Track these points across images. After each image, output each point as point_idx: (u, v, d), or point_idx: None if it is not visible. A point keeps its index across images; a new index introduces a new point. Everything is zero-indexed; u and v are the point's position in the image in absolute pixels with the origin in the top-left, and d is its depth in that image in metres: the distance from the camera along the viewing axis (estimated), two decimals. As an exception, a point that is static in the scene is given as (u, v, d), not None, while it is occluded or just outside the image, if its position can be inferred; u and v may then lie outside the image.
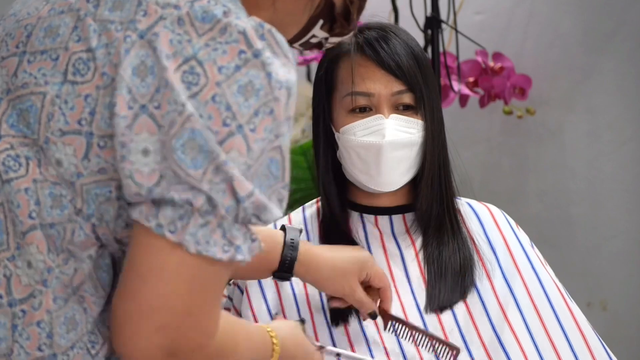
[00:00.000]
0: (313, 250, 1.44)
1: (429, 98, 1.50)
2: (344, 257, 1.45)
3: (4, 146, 1.02)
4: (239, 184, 0.97)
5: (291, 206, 1.61)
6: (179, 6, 1.00)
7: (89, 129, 1.00)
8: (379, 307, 1.45)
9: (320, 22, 1.16)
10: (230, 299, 1.57)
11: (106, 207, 1.03)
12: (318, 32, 1.18)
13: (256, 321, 1.48)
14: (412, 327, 1.43)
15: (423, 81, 1.49)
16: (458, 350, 1.41)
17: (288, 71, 1.02)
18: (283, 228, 1.42)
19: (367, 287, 1.45)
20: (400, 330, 1.44)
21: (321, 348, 1.35)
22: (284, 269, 1.40)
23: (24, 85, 1.03)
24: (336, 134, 1.52)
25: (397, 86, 1.48)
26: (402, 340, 1.45)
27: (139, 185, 0.98)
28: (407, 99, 1.49)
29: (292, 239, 1.41)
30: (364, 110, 1.49)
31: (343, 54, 1.51)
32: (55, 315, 1.02)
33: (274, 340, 1.23)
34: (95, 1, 1.04)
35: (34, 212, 1.01)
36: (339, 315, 1.48)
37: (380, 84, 1.48)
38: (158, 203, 0.98)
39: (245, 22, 1.00)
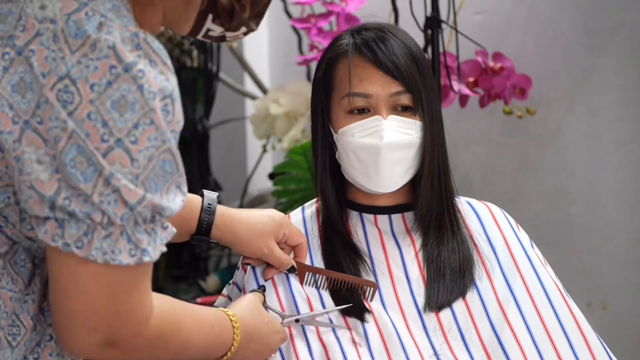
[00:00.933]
0: (230, 213, 1.48)
1: (427, 99, 1.50)
2: (259, 218, 1.50)
3: None
4: (128, 192, 1.04)
5: (291, 206, 1.62)
6: (55, 20, 1.03)
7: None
8: (296, 262, 1.51)
9: (210, 16, 1.20)
10: (229, 298, 1.57)
11: (8, 212, 1.09)
12: (212, 26, 1.21)
13: None
14: (328, 274, 1.50)
15: (421, 82, 1.49)
16: (376, 286, 1.48)
17: (165, 78, 1.06)
18: (201, 193, 1.46)
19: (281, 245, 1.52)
20: (320, 280, 1.50)
21: (283, 317, 1.45)
22: (201, 233, 1.45)
23: None
24: (335, 135, 1.52)
25: (395, 87, 1.48)
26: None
27: (41, 195, 1.03)
28: (405, 100, 1.49)
29: (209, 204, 1.46)
30: (362, 112, 1.49)
31: (341, 55, 1.51)
32: None
33: (235, 324, 1.32)
34: None
35: None
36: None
37: (378, 85, 1.48)
38: (62, 221, 1.03)
39: (116, 35, 1.04)
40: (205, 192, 1.47)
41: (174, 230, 1.12)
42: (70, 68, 1.02)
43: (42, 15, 1.04)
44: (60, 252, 1.05)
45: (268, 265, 1.51)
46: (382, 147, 1.47)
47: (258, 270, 1.52)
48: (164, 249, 1.11)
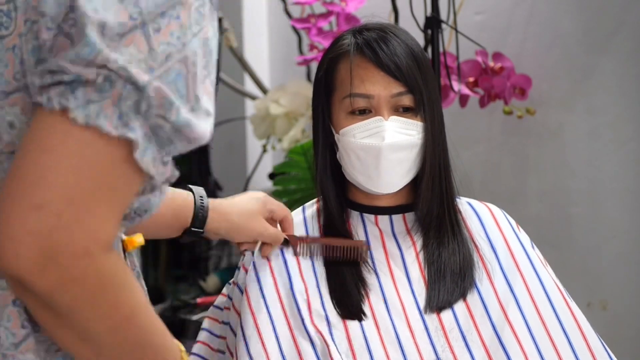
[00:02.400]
0: (219, 203, 1.49)
1: (429, 99, 1.49)
2: (246, 202, 1.51)
3: None
4: (138, 73, 0.90)
5: (291, 206, 1.62)
6: None
7: (25, 82, 0.96)
8: (287, 235, 1.54)
9: None
10: (230, 298, 1.57)
11: None
12: None
13: (255, 322, 1.47)
14: (319, 241, 1.53)
15: (423, 82, 1.49)
16: (367, 246, 1.51)
17: None
18: (189, 188, 1.47)
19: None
20: (313, 248, 1.53)
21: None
22: (196, 226, 1.44)
23: None
24: (336, 136, 1.52)
25: (397, 88, 1.48)
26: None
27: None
28: (407, 100, 1.49)
29: (201, 197, 1.46)
30: (364, 113, 1.49)
31: (342, 55, 1.51)
32: None
33: (182, 355, 1.09)
34: None
35: None
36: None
37: (380, 86, 1.48)
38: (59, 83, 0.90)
39: None
40: (193, 187, 1.48)
41: (177, 172, 0.98)
42: None
43: None
44: (40, 112, 0.90)
45: (263, 244, 1.54)
46: (384, 147, 1.46)
47: (260, 271, 1.53)
48: (169, 171, 0.96)
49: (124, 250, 1.12)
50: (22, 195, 0.87)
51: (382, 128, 1.47)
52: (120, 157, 0.91)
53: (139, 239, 1.13)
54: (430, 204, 1.53)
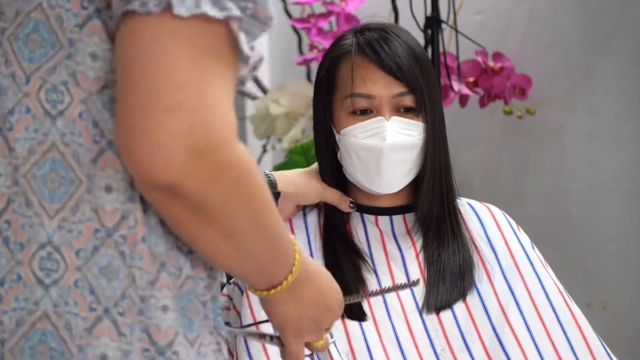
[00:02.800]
0: (275, 173, 1.52)
1: (430, 100, 1.49)
2: (293, 171, 1.57)
3: (38, 83, 0.94)
4: None
5: (291, 206, 1.62)
6: None
7: (95, 6, 0.94)
8: None
9: None
10: (230, 298, 1.57)
11: None
12: None
13: (255, 320, 1.47)
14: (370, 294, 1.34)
15: (424, 82, 1.49)
16: (415, 282, 1.31)
17: None
18: None
19: None
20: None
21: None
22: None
23: (17, 13, 0.95)
24: (337, 136, 1.52)
25: (398, 88, 1.48)
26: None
27: None
28: (408, 101, 1.48)
29: (267, 175, 1.50)
30: (365, 113, 1.49)
31: (344, 55, 1.51)
32: None
33: (296, 248, 1.07)
34: None
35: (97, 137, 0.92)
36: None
37: (381, 86, 1.47)
38: None
39: None
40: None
41: (263, 56, 0.97)
42: None
43: None
44: (136, 19, 0.88)
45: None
46: (385, 148, 1.46)
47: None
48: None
49: None
50: (154, 103, 0.86)
51: (383, 128, 1.47)
52: (227, 40, 0.90)
53: None
54: (431, 205, 1.53)
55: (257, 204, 0.95)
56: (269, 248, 1.00)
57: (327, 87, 1.53)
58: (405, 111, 1.49)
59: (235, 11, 0.89)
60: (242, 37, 0.91)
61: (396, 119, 1.48)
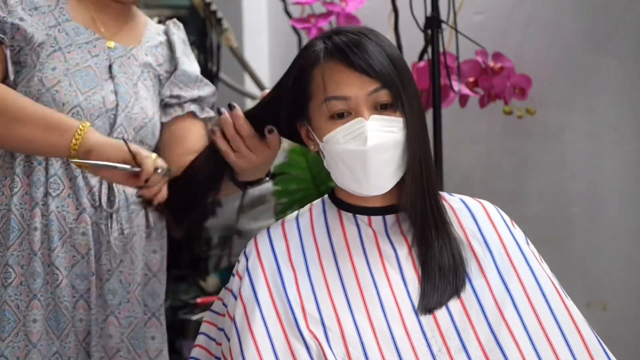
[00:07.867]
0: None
1: (406, 94, 1.49)
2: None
3: None
4: None
5: (291, 206, 1.62)
6: None
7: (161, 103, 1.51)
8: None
9: None
10: (224, 304, 1.57)
11: None
12: None
13: (250, 327, 1.47)
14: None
15: (398, 77, 1.48)
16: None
17: None
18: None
19: None
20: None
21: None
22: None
23: None
24: (320, 144, 1.51)
25: (372, 85, 1.47)
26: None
27: None
28: (384, 96, 1.48)
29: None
30: (343, 116, 1.48)
31: (314, 61, 1.51)
32: None
33: (81, 126, 1.60)
34: None
35: None
36: None
37: (355, 86, 1.47)
38: None
39: None
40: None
41: None
42: None
43: None
44: (191, 118, 1.44)
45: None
46: (368, 151, 1.46)
47: (250, 259, 1.54)
48: None
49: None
50: None
51: (364, 128, 1.46)
52: None
53: None
54: (414, 199, 1.52)
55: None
56: (40, 130, 1.61)
57: (301, 95, 1.53)
58: (383, 108, 1.49)
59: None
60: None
61: (375, 117, 1.47)
